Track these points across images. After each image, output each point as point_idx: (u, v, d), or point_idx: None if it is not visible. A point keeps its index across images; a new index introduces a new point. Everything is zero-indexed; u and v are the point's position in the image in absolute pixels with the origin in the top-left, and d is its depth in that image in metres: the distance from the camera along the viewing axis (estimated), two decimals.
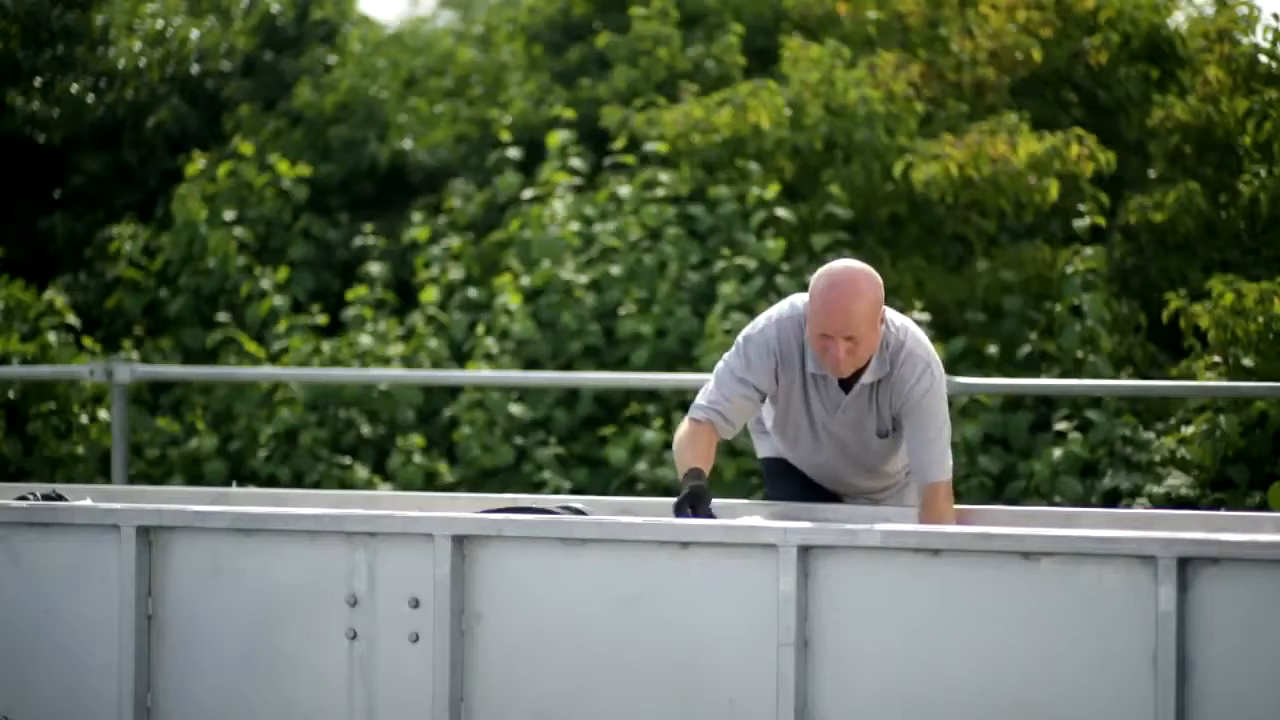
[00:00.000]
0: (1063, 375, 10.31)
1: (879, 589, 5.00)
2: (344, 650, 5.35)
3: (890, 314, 5.99)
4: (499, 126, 13.07)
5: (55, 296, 11.71)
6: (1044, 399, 10.42)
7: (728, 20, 13.43)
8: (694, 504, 5.67)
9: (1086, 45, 11.74)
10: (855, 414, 6.04)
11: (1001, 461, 10.18)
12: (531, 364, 11.24)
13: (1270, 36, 10.97)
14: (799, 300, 6.00)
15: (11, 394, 10.93)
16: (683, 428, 5.96)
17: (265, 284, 12.01)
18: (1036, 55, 11.58)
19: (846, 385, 6.01)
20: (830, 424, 6.06)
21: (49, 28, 13.71)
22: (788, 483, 6.31)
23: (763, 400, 6.06)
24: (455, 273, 11.93)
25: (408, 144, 13.37)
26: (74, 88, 13.48)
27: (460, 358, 11.57)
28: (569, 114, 12.45)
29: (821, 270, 5.91)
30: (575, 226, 11.59)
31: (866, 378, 5.96)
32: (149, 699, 5.48)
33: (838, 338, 5.80)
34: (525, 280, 11.40)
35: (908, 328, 6.02)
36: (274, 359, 11.59)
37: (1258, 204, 10.65)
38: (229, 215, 12.34)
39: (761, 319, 6.04)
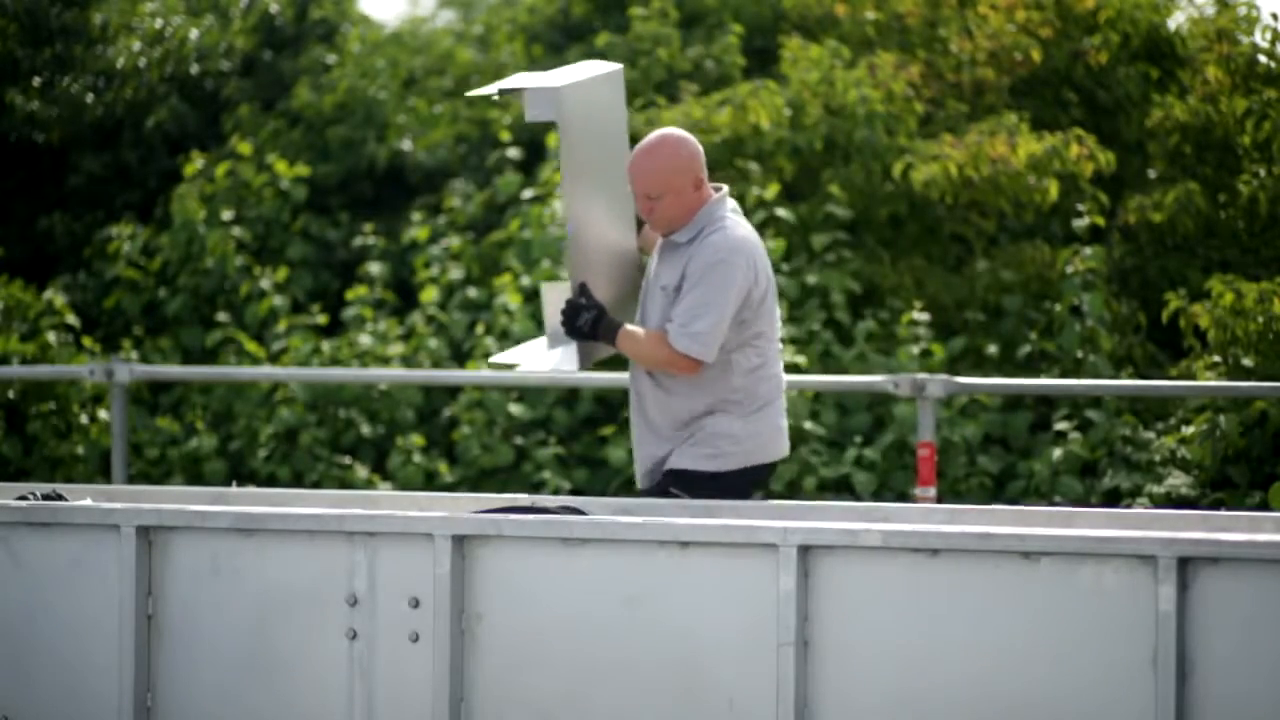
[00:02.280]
0: (1063, 375, 10.30)
1: (879, 589, 5.00)
2: (344, 650, 5.35)
3: (733, 210, 6.26)
4: (499, 126, 13.06)
5: (55, 296, 11.71)
6: (1044, 399, 10.41)
7: (727, 20, 13.43)
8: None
9: (1086, 45, 11.73)
10: (660, 269, 6.33)
11: (1001, 461, 10.17)
12: None
13: (1269, 36, 10.97)
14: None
15: (11, 394, 10.92)
16: None
17: (265, 284, 12.01)
18: (1036, 55, 11.58)
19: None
20: (649, 278, 6.41)
21: (48, 26, 13.71)
22: None
23: None
24: (455, 273, 11.93)
25: (407, 144, 13.37)
26: (73, 87, 13.48)
27: (460, 358, 11.56)
28: None
29: None
30: None
31: (675, 236, 6.27)
32: (149, 699, 5.48)
33: (639, 195, 6.23)
34: (525, 280, 11.39)
35: (738, 223, 6.25)
36: (274, 359, 11.58)
37: (1257, 204, 10.65)
38: (227, 215, 12.33)
39: None
